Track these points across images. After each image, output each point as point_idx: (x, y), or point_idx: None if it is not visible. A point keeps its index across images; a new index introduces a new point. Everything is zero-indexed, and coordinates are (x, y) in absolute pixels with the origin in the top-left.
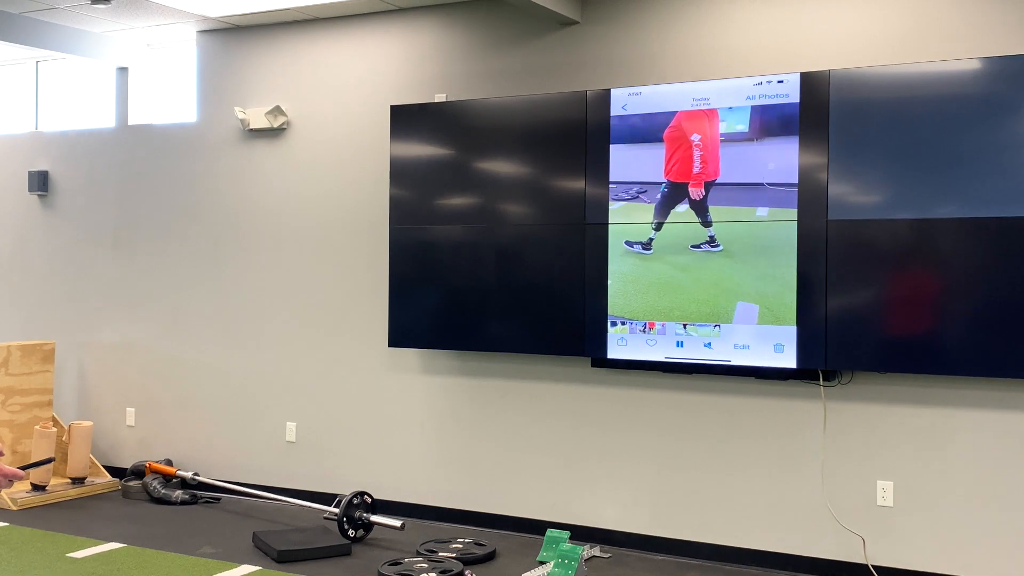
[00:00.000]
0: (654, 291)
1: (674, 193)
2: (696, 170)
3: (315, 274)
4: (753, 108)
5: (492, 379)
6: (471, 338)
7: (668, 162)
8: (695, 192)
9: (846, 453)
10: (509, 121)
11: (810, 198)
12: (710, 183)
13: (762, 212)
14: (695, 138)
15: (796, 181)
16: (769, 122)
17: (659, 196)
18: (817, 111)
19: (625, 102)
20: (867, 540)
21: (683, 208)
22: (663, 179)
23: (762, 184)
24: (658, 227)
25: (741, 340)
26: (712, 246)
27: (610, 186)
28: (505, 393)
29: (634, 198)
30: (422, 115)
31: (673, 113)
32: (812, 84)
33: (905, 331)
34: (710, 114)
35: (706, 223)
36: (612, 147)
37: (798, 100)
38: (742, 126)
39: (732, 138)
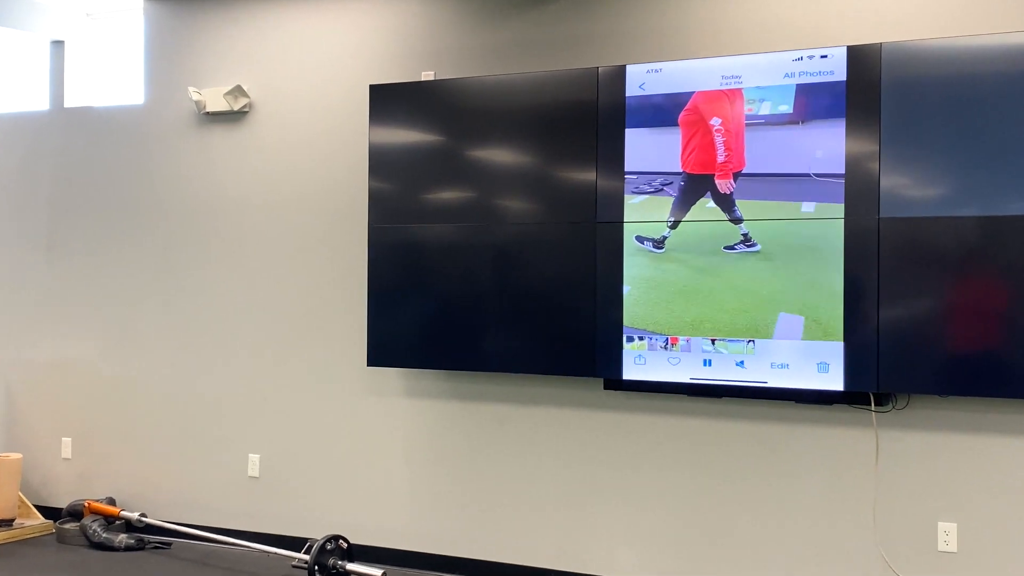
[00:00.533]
0: (680, 300)
1: (694, 186)
2: (721, 159)
3: (282, 282)
4: (799, 87)
5: (488, 404)
6: (463, 356)
7: (684, 151)
8: (723, 184)
9: (902, 490)
10: (508, 103)
11: (859, 192)
12: (738, 173)
13: (808, 207)
14: (715, 122)
15: (843, 171)
16: (812, 103)
17: (676, 190)
18: (867, 90)
19: (643, 80)
20: None
21: (710, 204)
22: (679, 170)
23: (808, 175)
24: (674, 225)
25: (779, 358)
26: (747, 245)
27: (626, 177)
28: (503, 420)
29: (657, 191)
30: (407, 96)
31: (712, 92)
32: (861, 59)
33: (971, 348)
34: (733, 94)
35: (735, 219)
36: (628, 132)
37: (844, 78)
38: (785, 107)
39: (772, 121)
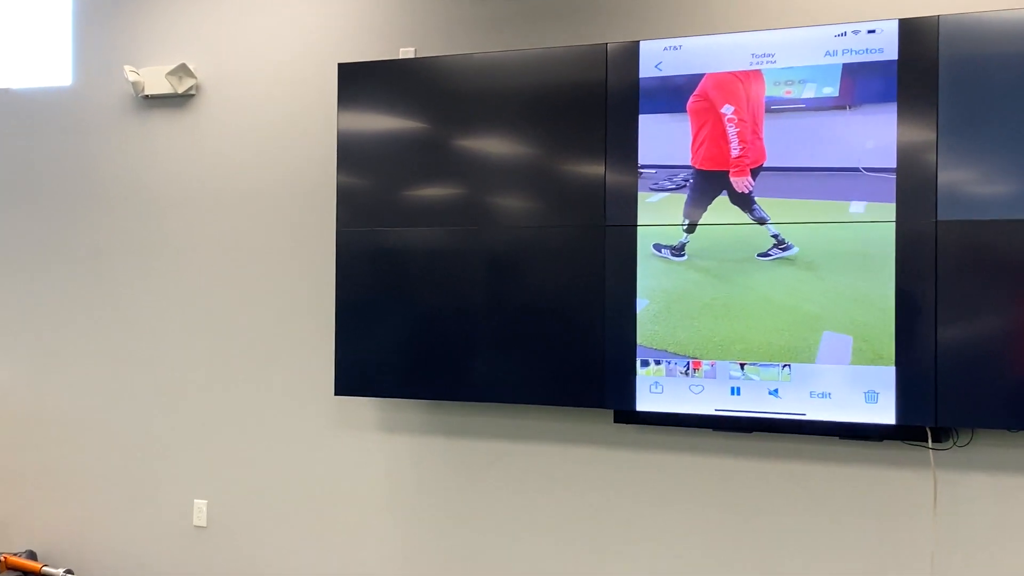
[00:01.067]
0: (707, 316)
1: (706, 184)
2: (735, 152)
3: (235, 295)
4: (846, 67)
5: (478, 440)
6: (450, 384)
7: (694, 143)
8: (739, 183)
9: (965, 541)
10: (501, 85)
11: (913, 189)
12: (758, 168)
13: (858, 208)
14: (727, 110)
15: (894, 165)
16: (862, 85)
17: (688, 189)
18: (922, 71)
19: (660, 59)
20: None
21: (732, 204)
22: (690, 165)
23: (858, 169)
24: (690, 228)
25: (821, 386)
26: (782, 248)
27: (640, 172)
28: (496, 459)
29: (680, 187)
30: (383, 77)
31: (722, 75)
32: (915, 34)
33: None
34: (750, 77)
35: (759, 220)
36: (642, 119)
37: (896, 56)
38: (830, 89)
39: (815, 106)
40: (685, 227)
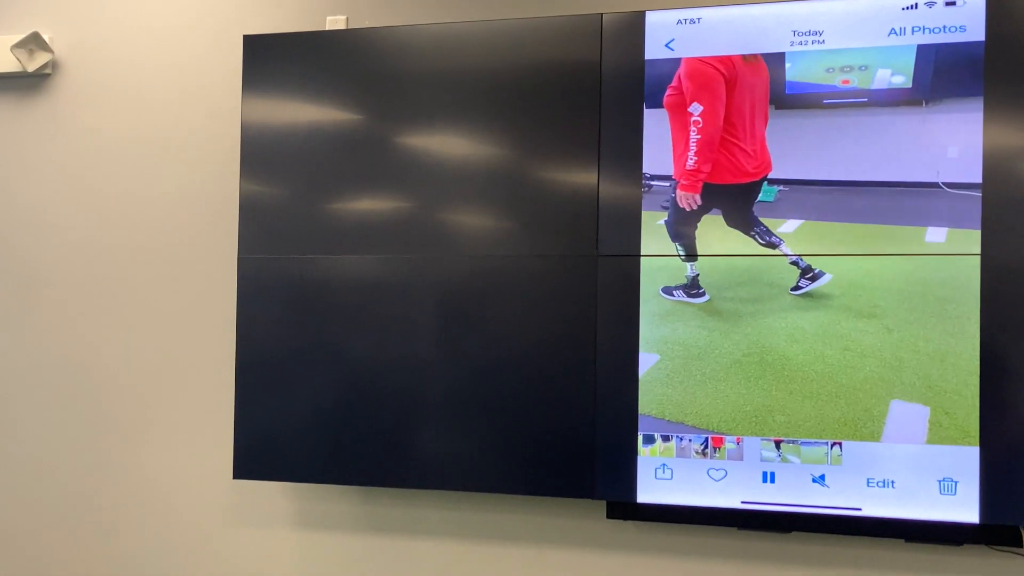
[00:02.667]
0: (737, 378)
1: (703, 204)
2: (690, 163)
3: (99, 340)
4: (921, 50)
5: (428, 540)
6: (388, 465)
7: (674, 148)
8: (683, 199)
9: None
10: (461, 66)
11: (1004, 211)
12: (756, 181)
13: (936, 235)
14: (694, 109)
15: (979, 180)
16: (941, 74)
17: (671, 207)
18: (1016, 54)
19: (672, 35)
20: None
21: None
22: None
23: (937, 185)
24: (688, 256)
25: (881, 471)
26: (810, 279)
27: (646, 184)
28: (450, 565)
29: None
30: (302, 53)
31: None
32: (1007, 9)
33: None
34: (737, 65)
35: (768, 244)
36: (648, 114)
37: (983, 37)
38: (901, 78)
39: (880, 100)
40: (682, 256)
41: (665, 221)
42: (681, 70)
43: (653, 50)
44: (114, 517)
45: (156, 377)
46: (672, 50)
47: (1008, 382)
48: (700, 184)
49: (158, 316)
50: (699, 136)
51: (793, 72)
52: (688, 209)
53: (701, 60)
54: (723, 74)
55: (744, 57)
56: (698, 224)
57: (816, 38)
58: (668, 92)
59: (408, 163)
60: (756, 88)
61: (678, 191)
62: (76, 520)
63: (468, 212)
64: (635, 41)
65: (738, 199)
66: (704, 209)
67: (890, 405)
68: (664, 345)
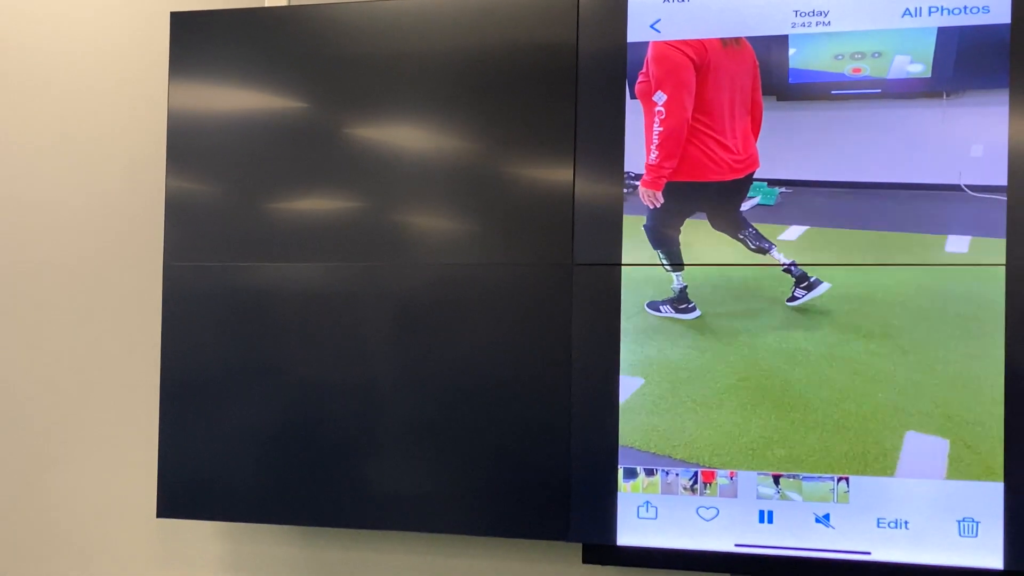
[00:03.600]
0: (732, 404)
1: (670, 201)
2: (652, 157)
3: (2, 361)
4: (942, 33)
5: None
6: (332, 502)
7: (646, 144)
8: (644, 195)
9: None
10: (419, 48)
11: None
12: (741, 179)
13: (957, 244)
14: (658, 98)
15: (1002, 182)
16: (963, 61)
17: (648, 213)
18: None
19: (658, 15)
20: None
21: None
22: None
23: (959, 187)
24: (674, 266)
25: (893, 511)
26: (805, 288)
27: (627, 184)
28: None
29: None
30: (238, 33)
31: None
32: None
33: None
34: (728, 51)
35: (759, 250)
36: (631, 104)
37: (1008, 19)
38: (920, 67)
39: (896, 91)
40: (667, 266)
41: (644, 226)
42: (648, 54)
43: (637, 32)
44: (21, 560)
45: (69, 402)
46: (659, 32)
47: None
48: (663, 181)
49: (71, 333)
50: (661, 128)
51: (798, 59)
52: (651, 207)
53: (668, 44)
54: (692, 59)
55: (723, 41)
56: (681, 228)
57: (821, 19)
58: (639, 79)
59: (360, 158)
60: (738, 76)
61: (639, 187)
62: None
63: (427, 214)
64: (616, 21)
65: (722, 199)
66: (686, 211)
67: (904, 437)
68: (650, 367)
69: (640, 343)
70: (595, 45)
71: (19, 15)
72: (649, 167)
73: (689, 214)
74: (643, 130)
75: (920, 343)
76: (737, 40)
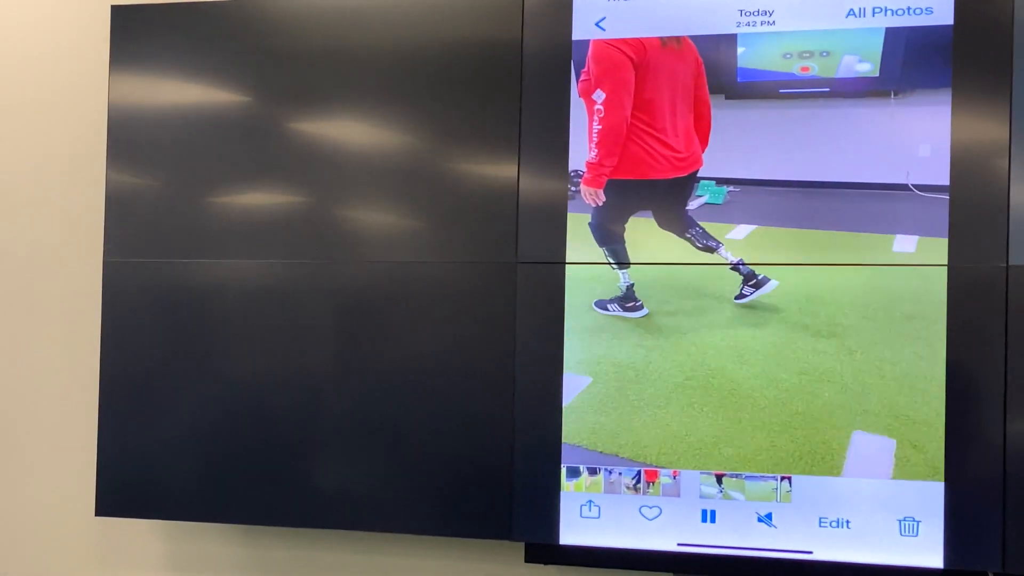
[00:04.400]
0: (679, 403)
1: (619, 200)
2: (591, 155)
3: None
4: (890, 34)
5: None
6: (274, 500)
7: (589, 142)
8: (587, 194)
9: None
10: (363, 42)
11: (971, 218)
12: (684, 177)
13: (905, 244)
14: (597, 96)
15: (947, 182)
16: (909, 62)
17: (592, 211)
18: (987, 42)
19: (603, 13)
20: None
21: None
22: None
23: (906, 187)
24: (619, 263)
25: (836, 510)
26: (753, 286)
27: (572, 181)
28: None
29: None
30: (180, 26)
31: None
32: None
33: None
34: (668, 50)
35: (707, 248)
36: (576, 102)
37: (951, 20)
38: (867, 66)
39: (845, 91)
40: (613, 264)
41: (590, 224)
42: (589, 53)
43: (582, 29)
44: None
45: (6, 398)
46: (604, 30)
47: (975, 410)
48: (603, 179)
49: (9, 329)
50: (600, 126)
51: (746, 57)
52: (593, 205)
53: (607, 42)
54: (631, 58)
55: (663, 40)
56: (625, 226)
57: (766, 18)
58: (581, 77)
59: (302, 154)
60: (679, 74)
61: (581, 185)
62: None
63: (371, 211)
64: (561, 18)
65: (667, 197)
66: (629, 209)
67: (852, 436)
68: (597, 366)
69: (588, 341)
70: (540, 42)
71: None
72: (589, 165)
73: (633, 212)
74: (587, 128)
75: (867, 343)
76: (678, 39)
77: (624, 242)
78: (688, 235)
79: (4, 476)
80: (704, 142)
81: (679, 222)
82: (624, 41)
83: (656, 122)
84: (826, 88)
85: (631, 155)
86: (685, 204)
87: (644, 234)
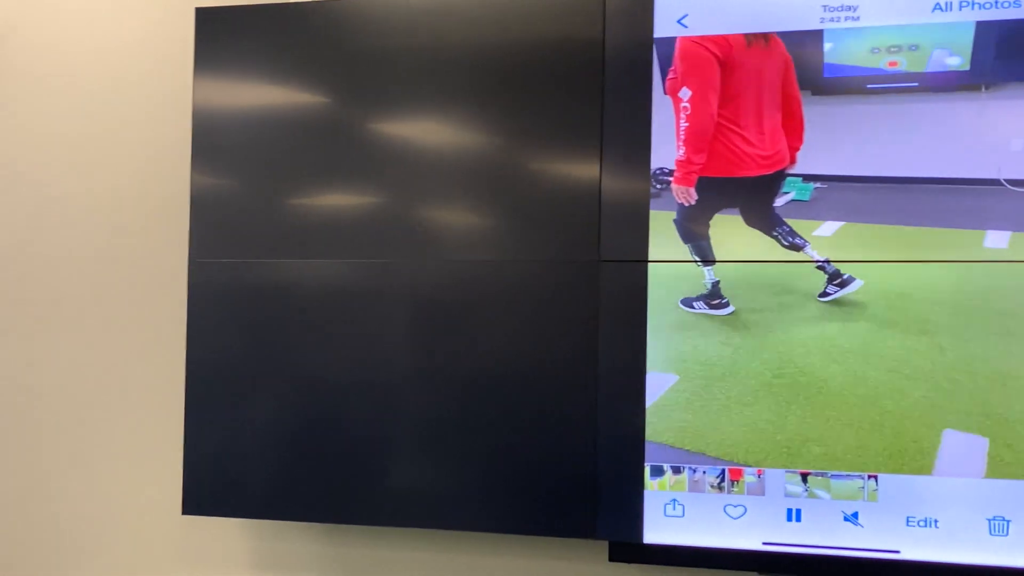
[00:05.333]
0: (767, 402)
1: (707, 197)
2: (679, 153)
3: (28, 357)
4: (980, 27)
5: None
6: (357, 499)
7: (677, 147)
8: (678, 192)
9: None
10: (445, 43)
11: None
12: (771, 175)
13: (997, 240)
14: (684, 94)
15: None
16: (1002, 55)
17: (683, 204)
18: None
19: (685, 10)
20: None
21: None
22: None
23: (998, 182)
24: (705, 260)
25: (923, 508)
26: (838, 285)
27: (656, 179)
28: None
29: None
30: (263, 28)
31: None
32: None
33: None
34: (753, 49)
35: (793, 246)
36: (659, 100)
37: None
38: (957, 60)
39: (932, 85)
40: (699, 260)
41: (675, 220)
42: (676, 51)
43: (663, 27)
44: (47, 558)
45: (94, 399)
46: (686, 27)
47: None
48: (693, 177)
49: (97, 330)
50: (687, 124)
51: (833, 53)
52: (685, 204)
53: (693, 40)
54: (716, 56)
55: (748, 39)
56: (710, 223)
57: (850, 13)
58: (668, 76)
59: (384, 155)
60: (765, 72)
61: (672, 184)
62: (3, 563)
63: (451, 210)
64: (643, 16)
65: (754, 195)
66: (714, 206)
67: (943, 435)
68: (683, 364)
69: (674, 340)
70: (622, 40)
71: (45, 10)
72: (679, 163)
73: (719, 209)
74: (674, 126)
75: (959, 340)
76: (766, 37)
77: (709, 239)
78: (775, 233)
79: (93, 475)
80: (795, 139)
81: (766, 220)
82: (710, 39)
83: (741, 119)
84: (915, 83)
85: (718, 153)
86: (772, 202)
87: (729, 231)
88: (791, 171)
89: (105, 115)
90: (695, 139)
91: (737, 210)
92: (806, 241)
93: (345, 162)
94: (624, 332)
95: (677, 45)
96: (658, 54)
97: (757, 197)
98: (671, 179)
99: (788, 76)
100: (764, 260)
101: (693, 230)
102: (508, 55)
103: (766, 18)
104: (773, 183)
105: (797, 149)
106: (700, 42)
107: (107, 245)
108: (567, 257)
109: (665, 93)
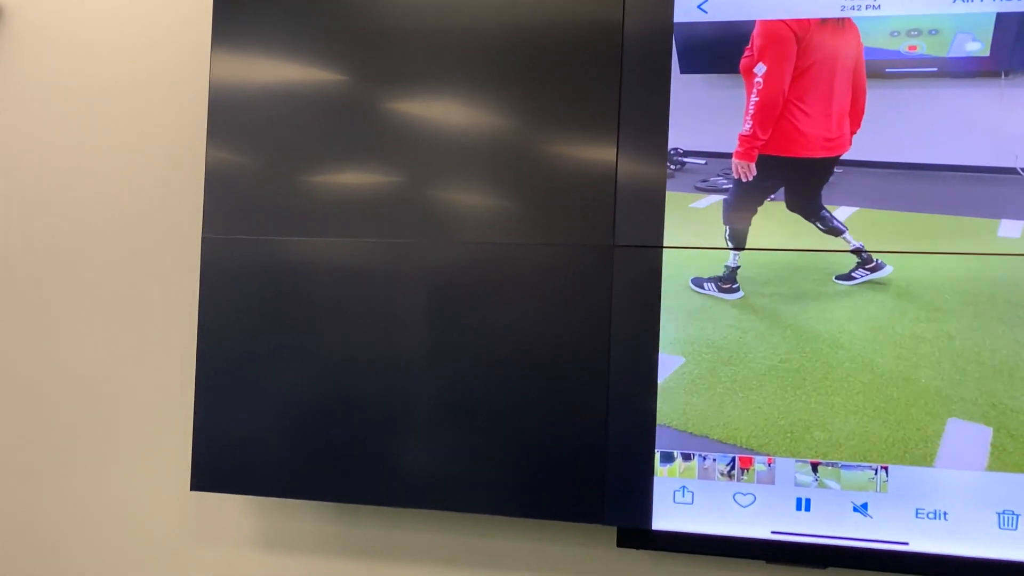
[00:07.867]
0: (772, 385)
1: (757, 178)
2: (745, 128)
3: (37, 333)
4: (1001, 17)
5: (410, 566)
6: (367, 479)
7: (744, 121)
8: (738, 167)
9: None
10: (463, 22)
11: None
12: (826, 159)
13: (1010, 229)
14: (759, 70)
15: None
16: (1021, 42)
17: (732, 186)
18: None
19: None
20: None
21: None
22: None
23: (1015, 170)
24: (737, 243)
25: (933, 501)
26: (870, 269)
27: (674, 161)
28: None
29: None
30: (282, 3)
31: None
32: None
33: None
34: (830, 25)
35: (831, 231)
36: (678, 81)
37: None
38: (977, 45)
39: (957, 70)
40: (732, 246)
41: (724, 200)
42: (754, 31)
43: (684, 11)
44: (54, 531)
45: (104, 375)
46: (705, 12)
47: None
48: (755, 152)
49: (106, 305)
50: (758, 98)
51: None
52: (744, 180)
53: (773, 20)
54: (795, 32)
55: (822, 19)
56: (758, 208)
57: (871, 2)
58: (744, 54)
59: (400, 133)
60: (839, 55)
61: (733, 159)
62: (11, 536)
63: (466, 192)
64: (663, 1)
65: (808, 177)
66: (767, 190)
67: (947, 424)
68: (690, 346)
69: (683, 322)
70: (641, 23)
71: None
72: (743, 137)
73: (774, 191)
74: (705, 107)
75: (967, 329)
76: (841, 21)
77: (750, 224)
78: (816, 218)
79: (103, 451)
80: (854, 125)
81: (812, 203)
82: (791, 19)
83: (807, 98)
84: (933, 68)
85: (782, 131)
86: (822, 186)
87: (769, 219)
88: (846, 157)
89: (120, 90)
90: (763, 114)
91: (783, 193)
92: (845, 227)
93: (361, 141)
94: (637, 317)
95: (757, 25)
96: (733, 35)
97: (811, 179)
98: (687, 160)
99: (859, 62)
100: (796, 249)
101: (738, 214)
102: (528, 37)
103: (784, 5)
104: (829, 167)
105: (854, 134)
106: (781, 20)
107: (122, 221)
108: (582, 241)
109: (740, 72)
